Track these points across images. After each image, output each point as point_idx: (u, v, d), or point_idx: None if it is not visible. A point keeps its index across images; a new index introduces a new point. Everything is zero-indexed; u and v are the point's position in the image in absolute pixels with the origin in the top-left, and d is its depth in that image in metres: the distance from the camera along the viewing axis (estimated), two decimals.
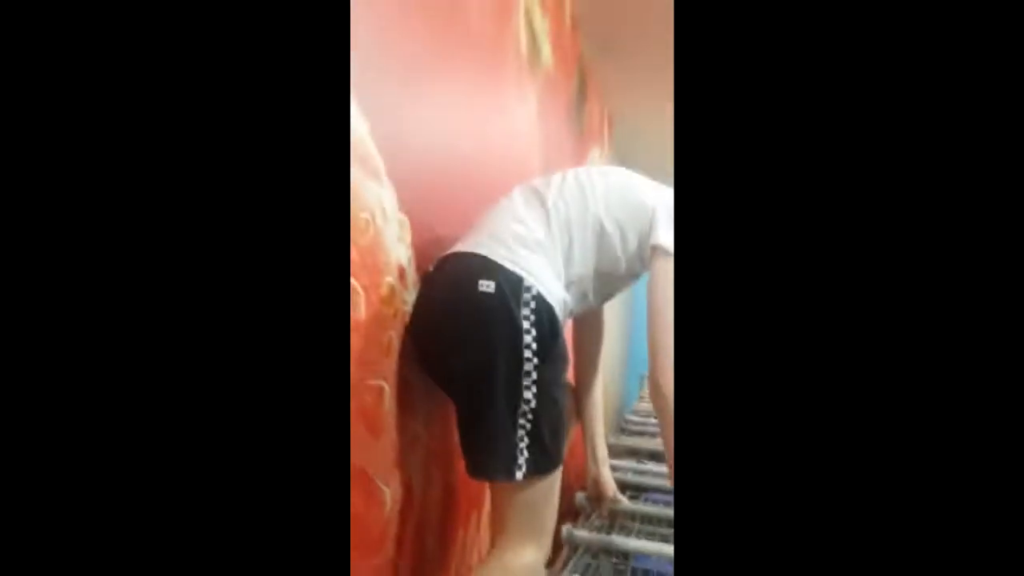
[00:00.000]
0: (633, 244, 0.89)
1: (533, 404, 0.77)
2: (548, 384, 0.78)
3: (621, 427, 2.28)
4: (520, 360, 0.77)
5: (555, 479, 0.82)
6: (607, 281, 0.92)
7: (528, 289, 0.79)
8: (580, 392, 1.12)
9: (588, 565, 1.04)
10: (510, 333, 0.77)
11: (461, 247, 0.87)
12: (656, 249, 0.86)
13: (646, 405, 2.20)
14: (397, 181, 0.82)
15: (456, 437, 0.85)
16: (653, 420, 1.53)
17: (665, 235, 0.86)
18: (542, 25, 1.66)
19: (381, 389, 0.80)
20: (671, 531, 1.04)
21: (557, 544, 0.92)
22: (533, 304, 0.79)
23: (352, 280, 0.72)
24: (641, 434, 2.13)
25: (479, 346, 0.77)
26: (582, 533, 1.12)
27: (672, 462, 0.88)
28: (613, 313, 2.93)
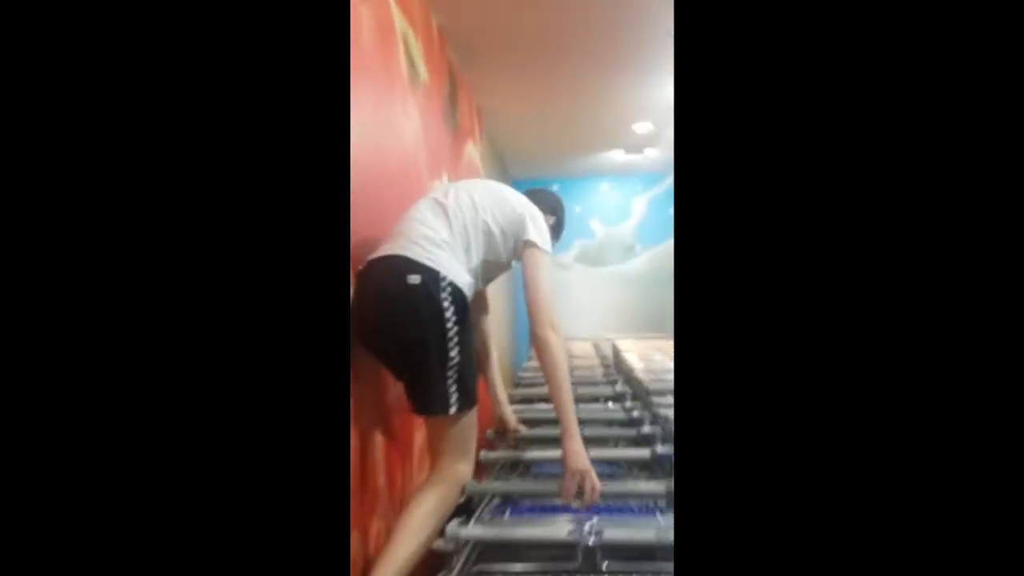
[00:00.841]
0: (511, 241, 1.22)
1: (456, 360, 1.09)
2: (465, 344, 1.11)
3: (515, 381, 2.69)
4: (444, 331, 1.08)
5: (474, 413, 1.17)
6: (491, 268, 1.26)
7: (443, 279, 1.10)
8: (480, 354, 1.42)
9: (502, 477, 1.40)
10: (436, 312, 1.08)
11: (386, 251, 1.15)
12: (528, 243, 1.20)
13: (534, 363, 2.62)
14: None
15: (386, 396, 1.15)
16: (540, 375, 1.98)
17: (534, 232, 1.20)
18: (416, 48, 1.93)
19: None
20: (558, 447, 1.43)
21: (478, 468, 1.27)
22: (449, 289, 1.09)
23: None
24: (531, 385, 2.52)
25: (414, 324, 1.08)
26: (495, 454, 1.50)
27: (558, 396, 1.15)
28: (501, 294, 3.30)
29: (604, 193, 5.12)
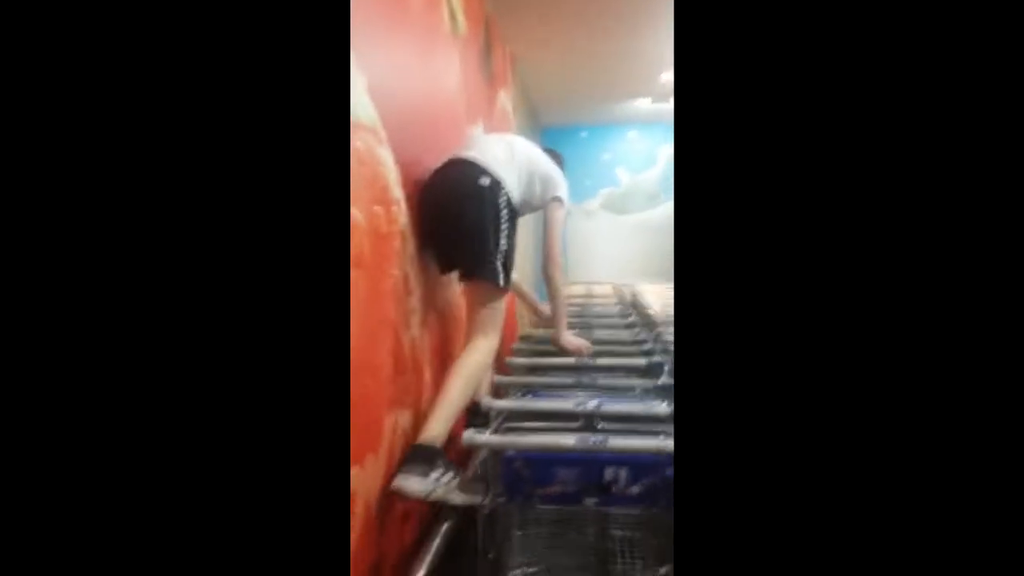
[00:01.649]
0: (540, 192, 1.59)
1: (504, 249, 1.40)
2: (511, 239, 1.43)
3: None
4: (499, 227, 1.40)
5: (505, 300, 1.47)
6: (524, 206, 1.57)
7: (503, 188, 1.42)
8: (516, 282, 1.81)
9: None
10: (497, 211, 1.39)
11: (463, 155, 1.46)
12: (556, 199, 1.62)
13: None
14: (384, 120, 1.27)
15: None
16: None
17: (562, 191, 1.62)
18: (457, 2, 2.11)
19: (405, 275, 1.37)
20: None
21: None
22: (505, 197, 1.42)
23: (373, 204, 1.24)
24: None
25: (480, 216, 1.38)
26: (519, 360, 1.80)
27: (555, 307, 1.78)
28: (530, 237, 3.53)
29: (631, 141, 5.22)
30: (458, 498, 1.12)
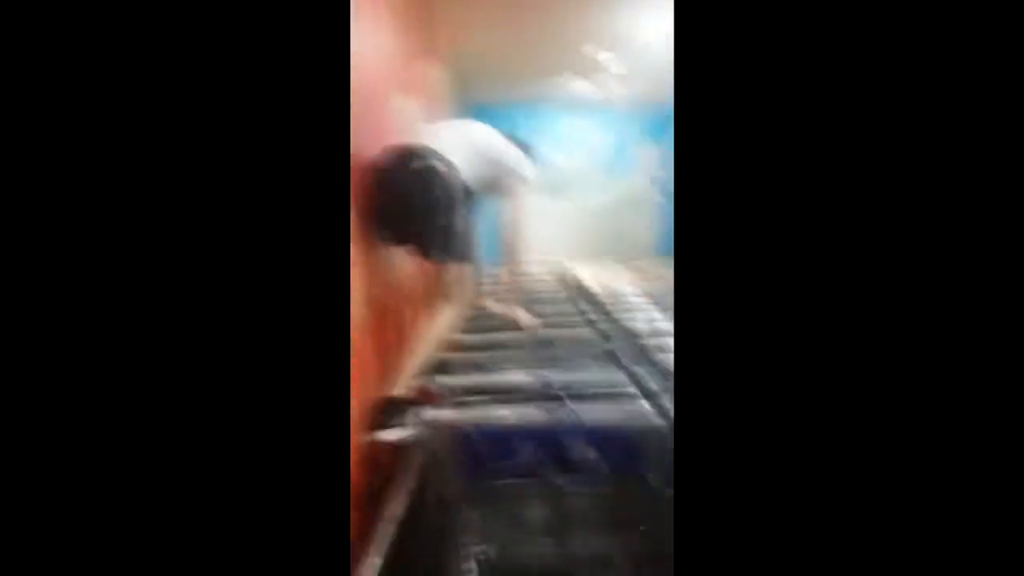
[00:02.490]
0: (500, 174, 1.64)
1: (462, 225, 1.45)
2: (467, 219, 1.49)
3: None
4: (456, 207, 1.44)
5: (470, 272, 1.53)
6: (485, 187, 1.63)
7: (457, 173, 1.46)
8: None
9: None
10: (451, 193, 1.44)
11: (415, 141, 1.49)
12: (520, 178, 1.67)
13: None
14: None
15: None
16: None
17: (525, 169, 1.69)
18: None
19: None
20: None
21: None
22: (459, 181, 1.46)
23: None
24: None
25: (436, 198, 1.42)
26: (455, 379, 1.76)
27: (513, 282, 1.85)
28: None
29: (564, 122, 5.24)
30: None
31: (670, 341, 1.58)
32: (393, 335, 1.59)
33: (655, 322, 1.84)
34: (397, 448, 1.18)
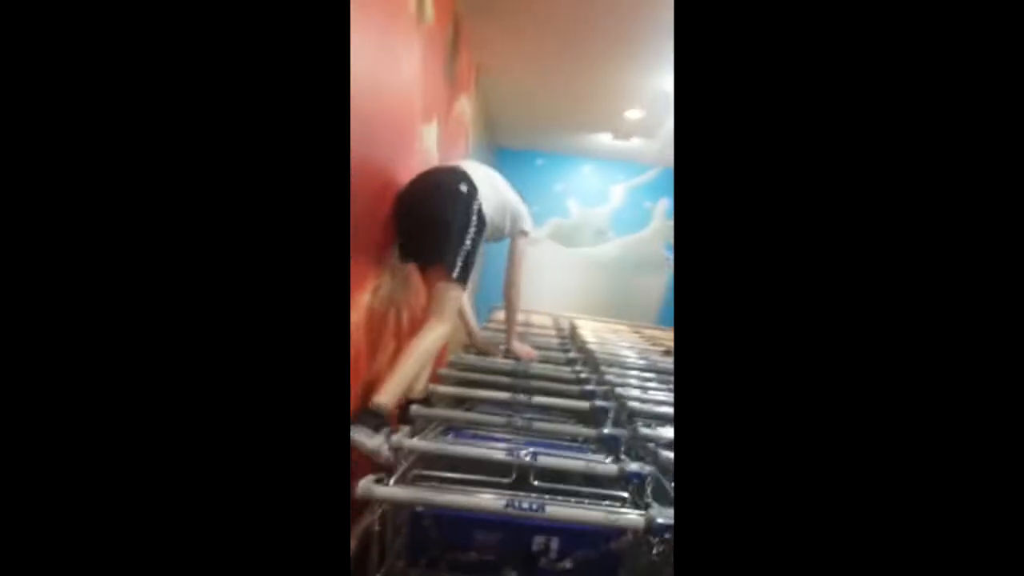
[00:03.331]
0: (509, 223, 1.83)
1: (467, 248, 1.59)
2: (475, 242, 1.62)
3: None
4: (468, 227, 1.59)
5: (462, 294, 1.65)
6: (493, 231, 1.77)
7: (479, 199, 1.64)
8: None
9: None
10: (468, 213, 1.60)
11: (446, 164, 1.82)
12: (522, 231, 1.87)
13: (488, 332, 2.68)
14: None
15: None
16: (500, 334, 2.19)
17: (528, 226, 1.89)
18: None
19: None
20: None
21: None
22: (478, 206, 1.63)
23: None
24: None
25: (452, 213, 1.58)
26: (445, 388, 1.57)
27: (510, 329, 2.01)
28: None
29: (586, 175, 5.19)
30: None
31: (664, 411, 1.41)
32: (395, 345, 1.75)
33: (648, 391, 1.66)
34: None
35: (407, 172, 1.74)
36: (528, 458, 1.01)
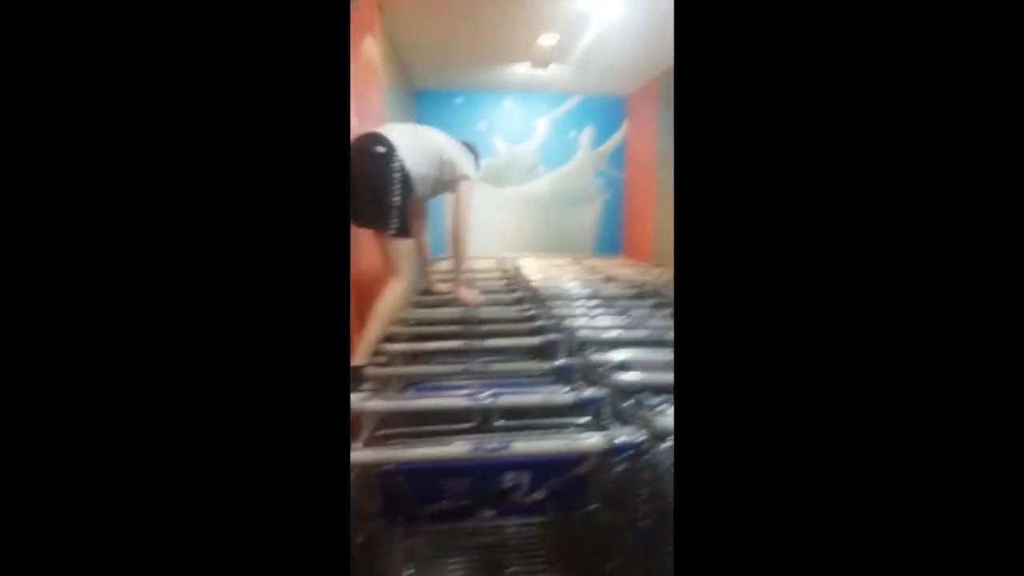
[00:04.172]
0: (448, 172, 1.93)
1: (397, 203, 1.76)
2: (403, 197, 1.77)
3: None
4: (391, 186, 1.74)
5: (408, 245, 1.83)
6: (437, 185, 1.95)
7: (397, 157, 1.77)
8: (419, 239, 2.14)
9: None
10: (389, 173, 1.74)
11: (368, 129, 1.84)
12: (463, 176, 1.94)
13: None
14: None
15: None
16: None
17: (467, 169, 1.95)
18: None
19: None
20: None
21: None
22: (398, 163, 1.76)
23: None
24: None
25: (373, 176, 1.73)
26: (397, 345, 1.55)
27: (457, 274, 2.09)
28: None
29: (508, 110, 5.06)
30: None
31: (612, 335, 1.47)
32: (356, 310, 1.83)
33: (595, 320, 1.71)
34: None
35: None
36: (488, 400, 1.02)
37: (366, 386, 1.29)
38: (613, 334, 1.54)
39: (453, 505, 0.99)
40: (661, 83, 4.15)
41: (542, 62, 4.07)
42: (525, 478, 1.00)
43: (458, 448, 0.88)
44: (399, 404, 1.07)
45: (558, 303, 2.01)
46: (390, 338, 1.65)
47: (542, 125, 5.09)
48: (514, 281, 2.68)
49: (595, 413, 1.06)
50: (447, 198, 2.04)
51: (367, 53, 2.70)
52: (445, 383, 1.31)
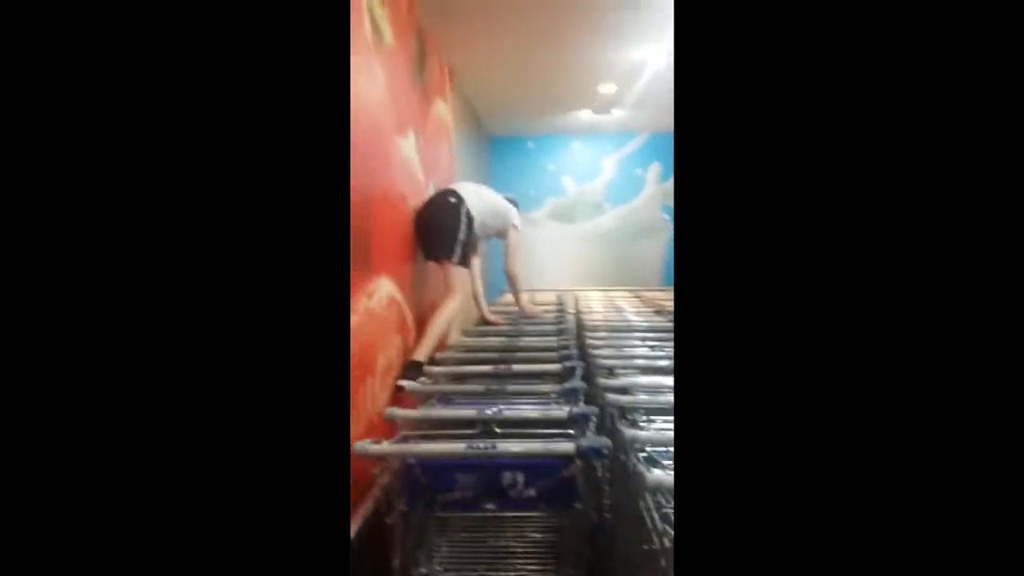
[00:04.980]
0: (499, 222, 2.62)
1: (462, 239, 2.38)
2: (468, 235, 2.43)
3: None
4: (459, 226, 2.39)
5: (465, 273, 2.53)
6: (487, 229, 2.59)
7: (465, 206, 2.43)
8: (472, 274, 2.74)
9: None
10: (458, 216, 2.40)
11: (443, 187, 2.65)
12: (512, 226, 2.67)
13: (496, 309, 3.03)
14: None
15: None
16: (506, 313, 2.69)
17: (515, 220, 2.69)
18: (381, 15, 2.13)
19: None
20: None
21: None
22: (465, 210, 2.42)
23: None
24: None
25: (447, 218, 2.40)
26: (438, 369, 1.83)
27: (518, 295, 2.87)
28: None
29: (576, 152, 5.34)
30: None
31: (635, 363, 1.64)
32: (426, 320, 2.35)
33: (623, 349, 1.87)
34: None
35: (389, 182, 1.98)
36: (492, 412, 1.25)
37: (421, 379, 1.69)
38: (639, 362, 1.73)
39: (461, 496, 1.22)
40: None
41: (603, 108, 4.32)
42: (520, 477, 1.20)
43: (455, 446, 1.11)
44: (420, 414, 1.34)
45: (596, 334, 2.19)
46: (434, 362, 1.93)
47: (609, 164, 5.31)
48: (563, 313, 2.89)
49: (582, 426, 1.25)
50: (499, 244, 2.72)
51: (438, 115, 3.10)
52: (466, 400, 1.55)
